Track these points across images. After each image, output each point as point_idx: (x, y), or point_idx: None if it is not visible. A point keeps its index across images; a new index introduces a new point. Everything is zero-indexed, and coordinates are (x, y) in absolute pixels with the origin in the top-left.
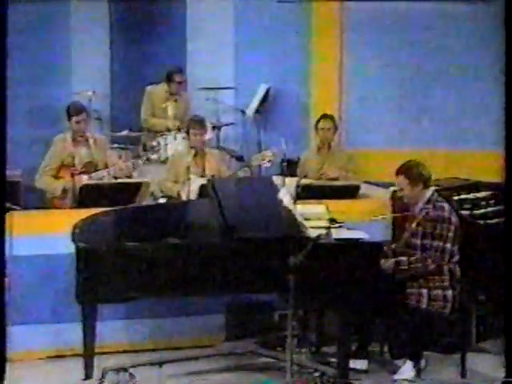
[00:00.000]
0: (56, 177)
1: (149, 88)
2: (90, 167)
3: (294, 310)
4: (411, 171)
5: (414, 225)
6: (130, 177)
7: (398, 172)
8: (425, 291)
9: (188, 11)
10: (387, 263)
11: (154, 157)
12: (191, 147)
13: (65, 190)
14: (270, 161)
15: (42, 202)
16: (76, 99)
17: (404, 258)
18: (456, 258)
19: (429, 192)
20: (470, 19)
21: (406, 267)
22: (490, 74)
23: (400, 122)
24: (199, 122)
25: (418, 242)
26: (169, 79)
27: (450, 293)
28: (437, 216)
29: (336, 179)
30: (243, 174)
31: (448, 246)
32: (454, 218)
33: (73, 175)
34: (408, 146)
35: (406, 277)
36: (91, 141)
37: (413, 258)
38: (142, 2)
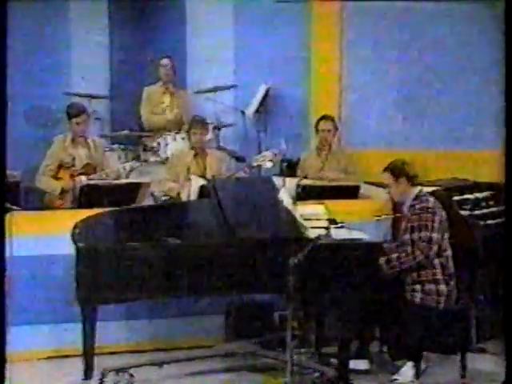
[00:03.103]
0: (56, 177)
1: (146, 88)
2: (90, 169)
3: (294, 310)
4: (395, 168)
5: (404, 223)
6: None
7: (385, 169)
8: (418, 286)
9: (188, 11)
10: (380, 261)
11: (152, 159)
12: (192, 147)
13: (64, 191)
14: (270, 161)
15: (41, 202)
16: (76, 99)
17: (394, 255)
18: (448, 252)
19: (416, 190)
20: (470, 19)
21: (397, 263)
22: (490, 73)
23: (400, 123)
24: (200, 122)
25: (408, 237)
26: (158, 66)
27: (443, 287)
28: (421, 208)
29: (336, 180)
30: (243, 174)
31: (434, 235)
32: (438, 210)
33: (72, 176)
34: (408, 147)
35: (399, 272)
36: (91, 143)
37: (402, 254)
38: (141, 3)
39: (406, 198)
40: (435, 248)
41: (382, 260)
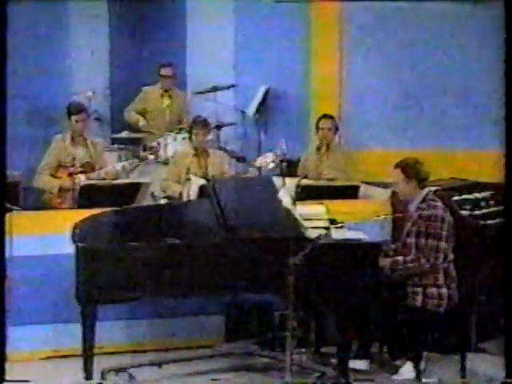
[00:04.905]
0: (54, 176)
1: (145, 88)
2: (89, 167)
3: (294, 310)
4: (408, 166)
5: (409, 224)
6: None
7: (396, 166)
8: (419, 289)
9: (188, 11)
10: (384, 261)
11: (151, 157)
12: (194, 147)
13: (61, 189)
14: (273, 162)
15: (41, 202)
16: (76, 99)
17: (400, 258)
18: (450, 257)
19: (424, 191)
20: (470, 19)
21: (402, 267)
22: (489, 73)
23: (400, 122)
24: (202, 122)
25: (413, 240)
26: (159, 74)
27: (444, 291)
28: (430, 214)
29: (333, 179)
30: (250, 174)
31: (442, 244)
32: (447, 217)
33: (71, 175)
34: (408, 146)
35: (403, 276)
36: (90, 143)
37: (408, 258)
38: (141, 3)
39: (413, 199)
40: (442, 256)
41: (387, 261)
